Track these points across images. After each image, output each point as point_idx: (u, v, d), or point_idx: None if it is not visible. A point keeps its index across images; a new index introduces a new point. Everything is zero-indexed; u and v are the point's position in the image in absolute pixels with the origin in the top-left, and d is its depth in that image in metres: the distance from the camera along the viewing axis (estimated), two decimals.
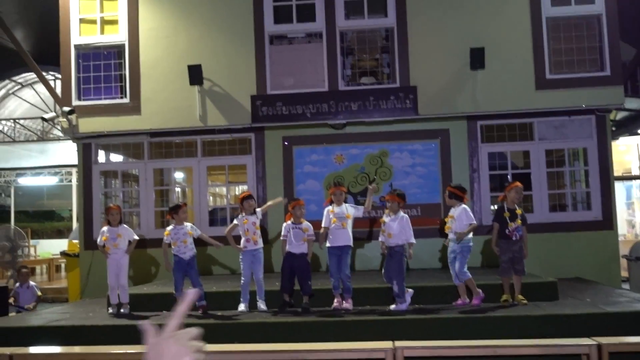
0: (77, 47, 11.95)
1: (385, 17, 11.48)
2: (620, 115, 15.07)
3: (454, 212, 7.92)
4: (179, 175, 15.58)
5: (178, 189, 14.46)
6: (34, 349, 6.47)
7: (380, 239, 7.96)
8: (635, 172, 17.92)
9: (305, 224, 8.04)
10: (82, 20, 12.00)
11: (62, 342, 7.01)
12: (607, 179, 11.21)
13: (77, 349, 6.65)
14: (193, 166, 12.21)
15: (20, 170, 22.70)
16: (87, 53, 12.04)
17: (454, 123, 11.49)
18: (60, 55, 11.98)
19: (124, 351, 6.00)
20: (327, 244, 8.05)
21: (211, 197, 17.02)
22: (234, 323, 7.38)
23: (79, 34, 11.96)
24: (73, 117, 11.59)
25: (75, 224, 18.03)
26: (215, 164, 12.37)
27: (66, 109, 11.57)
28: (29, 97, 22.59)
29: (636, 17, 13.03)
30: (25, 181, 24.52)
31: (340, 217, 7.95)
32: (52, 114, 13.75)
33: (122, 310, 8.34)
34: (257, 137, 11.84)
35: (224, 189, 14.46)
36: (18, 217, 25.26)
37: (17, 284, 11.33)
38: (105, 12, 12.01)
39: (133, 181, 13.25)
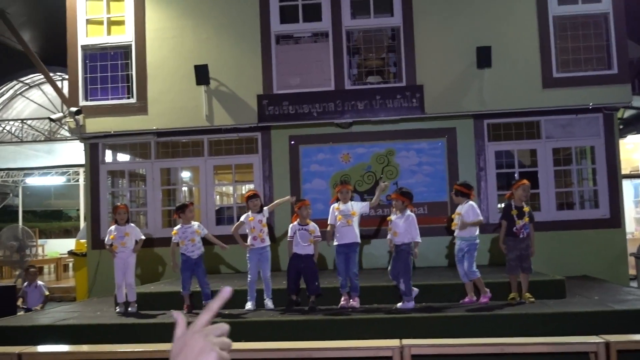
0: (84, 47, 12.00)
1: (391, 16, 11.47)
2: (628, 113, 15.01)
3: (461, 208, 7.91)
4: (185, 175, 15.60)
5: (185, 189, 14.49)
6: (42, 348, 6.50)
7: (388, 237, 7.96)
8: None
9: (312, 225, 8.03)
10: (89, 21, 12.04)
11: (70, 341, 7.04)
12: (614, 177, 11.17)
13: (85, 348, 6.68)
14: (200, 165, 12.24)
15: (28, 170, 22.76)
16: (94, 53, 12.08)
17: (461, 122, 11.47)
18: (67, 56, 12.03)
19: (132, 350, 6.02)
20: (335, 242, 8.05)
21: (218, 197, 17.05)
22: (241, 321, 7.39)
23: (86, 35, 12.01)
24: (80, 117, 11.64)
25: (82, 224, 18.07)
26: (222, 164, 12.39)
27: (73, 109, 11.61)
28: (36, 97, 22.64)
29: None
30: (33, 181, 24.61)
31: (346, 214, 7.94)
32: (60, 115, 13.78)
33: (129, 309, 8.36)
34: (263, 136, 11.86)
35: (231, 188, 14.48)
36: (26, 217, 25.36)
37: (25, 284, 11.39)
38: (111, 13, 12.05)
39: (140, 181, 13.29)
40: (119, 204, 10.27)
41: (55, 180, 24.70)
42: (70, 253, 14.66)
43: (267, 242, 8.24)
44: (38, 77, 20.67)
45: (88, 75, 12.05)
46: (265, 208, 8.37)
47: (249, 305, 8.05)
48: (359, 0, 11.49)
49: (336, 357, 6.00)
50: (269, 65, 11.46)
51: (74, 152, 18.78)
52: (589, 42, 11.13)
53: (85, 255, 12.46)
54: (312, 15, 11.57)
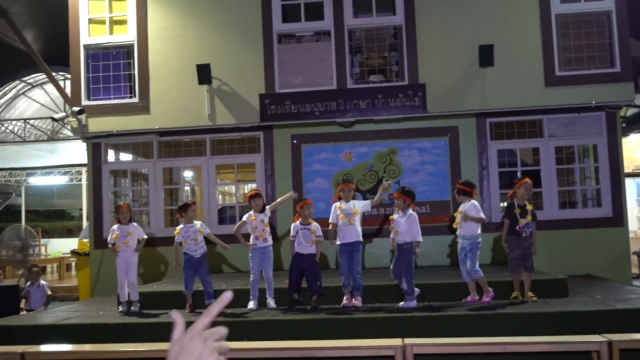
0: (86, 47, 12.00)
1: (393, 15, 11.46)
2: (631, 111, 14.99)
3: (463, 207, 7.90)
4: (188, 174, 15.62)
5: (187, 188, 14.50)
6: (45, 347, 6.51)
7: (390, 236, 7.96)
8: None
9: (314, 224, 8.03)
10: (91, 21, 12.05)
11: (73, 340, 7.05)
12: (617, 176, 11.16)
13: (87, 347, 6.69)
14: (202, 165, 12.25)
15: (31, 170, 22.82)
16: (96, 53, 12.08)
17: (463, 120, 11.46)
18: (69, 55, 12.03)
19: (134, 349, 6.02)
20: (337, 242, 8.05)
21: (220, 196, 17.05)
22: (243, 321, 7.39)
23: (88, 35, 12.01)
24: (83, 116, 11.65)
25: (85, 223, 18.10)
26: (224, 163, 12.40)
27: (76, 108, 11.63)
28: (39, 97, 22.67)
29: None
30: (36, 181, 24.65)
31: (348, 213, 7.94)
32: (62, 114, 13.81)
33: (132, 309, 8.37)
34: (265, 135, 11.87)
35: (233, 188, 14.48)
36: (29, 216, 25.39)
37: (28, 283, 11.41)
38: (114, 12, 12.05)
39: (142, 180, 13.31)
40: (121, 203, 10.29)
41: (58, 180, 24.74)
42: (73, 252, 14.69)
43: (270, 241, 8.24)
44: (40, 76, 20.69)
45: (90, 75, 12.06)
46: (267, 207, 8.37)
47: (251, 305, 8.05)
48: None
49: (338, 357, 6.00)
50: (271, 64, 11.46)
51: (77, 152, 18.82)
52: (592, 41, 11.10)
53: (87, 255, 12.48)
54: (314, 14, 11.56)
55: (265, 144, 11.88)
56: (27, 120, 22.02)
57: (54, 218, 32.39)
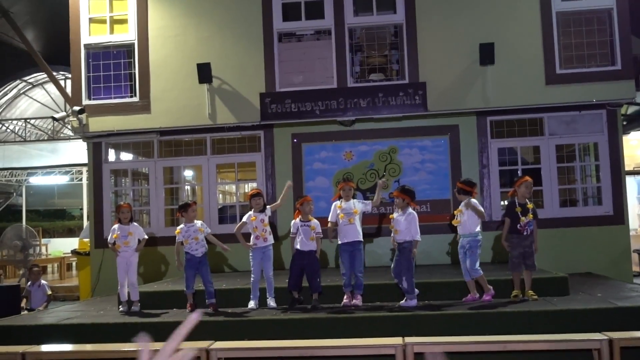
0: (87, 46, 12.01)
1: (394, 13, 11.45)
2: (632, 109, 14.98)
3: (463, 205, 7.89)
4: (188, 173, 15.62)
5: (188, 187, 14.50)
6: (45, 347, 6.53)
7: (391, 235, 7.96)
8: None
9: (314, 221, 8.03)
10: (91, 20, 12.05)
11: (74, 340, 7.04)
12: (618, 174, 11.15)
13: (88, 347, 6.70)
14: (202, 164, 12.25)
15: (32, 170, 22.85)
16: (96, 52, 12.08)
17: (464, 119, 11.46)
18: (70, 55, 12.04)
19: (135, 349, 6.02)
20: (338, 241, 8.05)
21: (221, 195, 17.06)
22: (244, 320, 7.39)
23: (89, 34, 12.01)
24: (83, 116, 11.65)
25: (86, 223, 18.12)
26: (224, 162, 12.39)
27: (76, 108, 11.63)
28: (39, 96, 22.71)
29: None
30: (37, 180, 24.67)
31: (348, 212, 7.94)
32: (63, 114, 13.82)
33: (132, 308, 8.37)
34: (266, 134, 11.87)
35: (234, 187, 14.49)
36: (29, 216, 25.41)
37: (29, 283, 11.41)
38: (114, 11, 12.05)
39: (143, 179, 13.31)
40: (122, 203, 10.25)
41: (59, 180, 24.76)
42: (74, 252, 14.70)
43: (270, 241, 8.23)
44: (41, 76, 20.73)
45: (91, 74, 12.06)
46: (268, 207, 8.36)
47: (251, 304, 8.04)
48: None
49: (339, 356, 6.01)
50: (272, 63, 11.46)
51: (77, 151, 18.85)
52: (593, 38, 11.09)
53: (88, 255, 12.48)
54: (315, 13, 11.56)
55: (265, 143, 11.88)
56: (28, 120, 22.05)
57: (54, 218, 32.43)
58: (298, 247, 7.98)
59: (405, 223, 7.62)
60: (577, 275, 9.96)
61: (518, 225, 7.79)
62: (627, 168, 12.16)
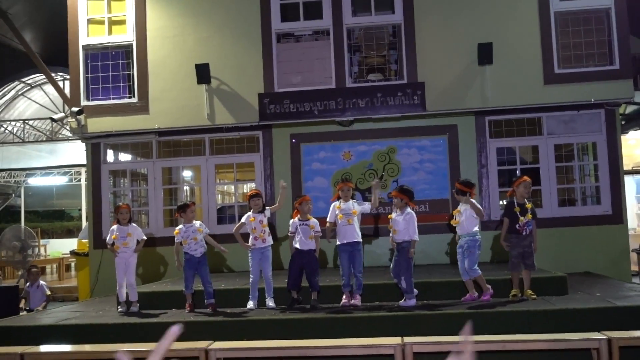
0: (85, 47, 12.00)
1: (392, 13, 11.46)
2: (630, 109, 15.00)
3: (461, 206, 7.90)
4: (187, 174, 15.62)
5: (186, 188, 14.50)
6: (44, 348, 6.52)
7: (390, 235, 7.96)
8: None
9: (312, 220, 8.04)
10: (90, 21, 12.05)
11: (73, 341, 7.04)
12: (616, 173, 11.15)
13: (87, 348, 6.69)
14: (201, 164, 12.25)
15: (30, 171, 22.83)
16: (95, 53, 12.08)
17: (462, 119, 11.46)
18: (68, 56, 12.03)
19: (134, 349, 6.02)
20: (337, 242, 8.05)
21: (219, 195, 17.07)
22: (243, 320, 7.39)
23: (87, 35, 12.01)
24: (82, 117, 11.65)
25: (84, 223, 18.11)
26: (223, 162, 12.39)
27: (75, 109, 11.63)
28: (38, 98, 22.70)
29: None
30: (35, 181, 24.65)
31: (347, 213, 7.94)
32: (61, 115, 13.80)
33: (131, 309, 8.36)
34: (264, 135, 11.87)
35: (232, 187, 14.48)
36: (28, 217, 25.42)
37: (28, 284, 11.41)
38: (112, 12, 12.05)
39: (142, 180, 13.30)
40: (121, 203, 10.26)
41: (57, 180, 24.75)
42: (73, 253, 14.68)
43: (269, 241, 8.22)
44: (40, 77, 20.72)
45: (89, 75, 12.06)
46: (267, 208, 8.36)
47: (250, 305, 8.04)
48: None
49: (338, 356, 6.01)
50: (270, 63, 11.46)
51: (76, 152, 18.83)
52: (591, 38, 11.10)
53: (87, 255, 12.48)
54: (313, 13, 11.57)
55: (264, 144, 11.88)
56: (27, 121, 22.04)
57: (53, 218, 32.41)
58: (297, 246, 7.99)
59: (404, 223, 7.63)
60: (576, 274, 9.96)
61: (517, 225, 7.79)
62: (625, 167, 12.17)
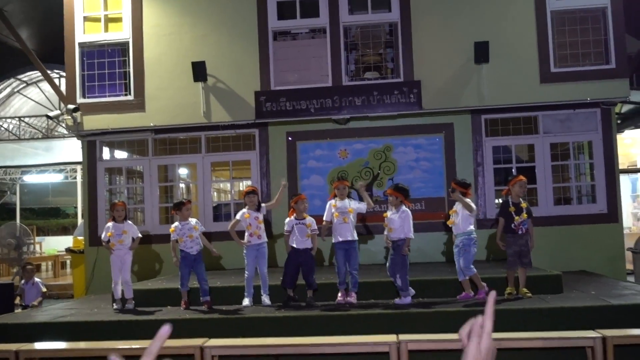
0: (81, 45, 11.98)
1: (389, 11, 11.45)
2: (626, 108, 15.00)
3: (457, 206, 7.90)
4: (183, 172, 15.59)
5: (182, 185, 14.48)
6: (39, 345, 6.51)
7: (384, 233, 7.97)
8: None
9: (309, 219, 8.05)
10: (86, 19, 12.02)
11: (68, 338, 7.03)
12: (612, 172, 11.17)
13: (82, 345, 6.68)
14: (197, 162, 12.24)
15: (26, 168, 22.76)
16: (91, 51, 12.06)
17: (458, 117, 11.46)
18: (64, 53, 12.00)
19: (129, 346, 6.02)
20: (333, 240, 8.06)
21: (215, 193, 17.04)
22: (239, 317, 7.40)
23: (83, 32, 11.99)
24: (78, 114, 11.63)
25: (80, 221, 18.08)
26: (219, 160, 12.38)
27: (71, 106, 11.60)
28: (34, 95, 22.66)
29: None
30: (31, 179, 24.61)
31: (343, 211, 7.95)
32: (57, 112, 13.79)
33: (127, 306, 8.36)
34: (261, 132, 11.86)
35: (228, 185, 14.47)
36: (24, 214, 25.36)
37: (23, 281, 11.37)
38: (109, 10, 12.02)
39: (137, 178, 13.27)
40: (116, 201, 10.21)
41: (53, 178, 24.70)
42: (68, 250, 14.65)
43: (264, 238, 8.23)
44: (35, 74, 20.69)
45: (85, 73, 12.04)
46: (263, 205, 8.36)
47: (246, 302, 8.05)
48: None
49: (333, 353, 6.02)
50: (267, 61, 11.45)
51: (72, 150, 18.79)
52: (587, 37, 11.11)
53: (82, 253, 12.46)
54: (310, 12, 11.55)
55: (260, 141, 11.87)
56: (22, 118, 21.99)
57: (49, 216, 32.33)
58: (294, 245, 8.00)
59: (399, 221, 7.63)
60: (571, 273, 9.98)
61: (512, 225, 7.80)
62: (621, 166, 12.20)
